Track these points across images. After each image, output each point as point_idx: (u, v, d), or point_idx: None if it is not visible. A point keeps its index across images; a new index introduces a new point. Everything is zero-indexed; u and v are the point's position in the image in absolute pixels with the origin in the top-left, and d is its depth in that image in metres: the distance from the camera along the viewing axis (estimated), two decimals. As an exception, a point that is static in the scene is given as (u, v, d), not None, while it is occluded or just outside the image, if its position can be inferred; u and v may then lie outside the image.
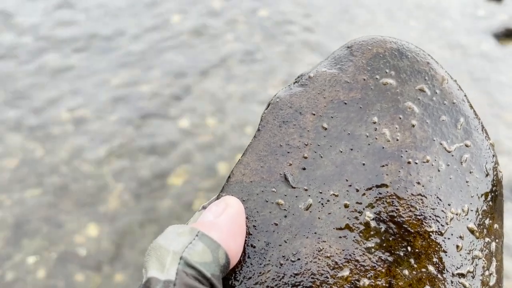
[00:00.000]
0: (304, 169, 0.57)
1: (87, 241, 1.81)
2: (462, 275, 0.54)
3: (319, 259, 0.53)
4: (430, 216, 0.55)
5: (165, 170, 2.05)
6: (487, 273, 0.56)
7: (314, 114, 0.60)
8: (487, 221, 0.58)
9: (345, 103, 0.60)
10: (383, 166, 0.57)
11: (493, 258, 0.57)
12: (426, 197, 0.55)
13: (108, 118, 2.45)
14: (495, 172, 0.59)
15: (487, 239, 0.57)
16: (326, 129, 0.59)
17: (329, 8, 3.40)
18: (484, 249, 0.56)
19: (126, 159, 2.13)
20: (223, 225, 0.51)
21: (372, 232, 0.54)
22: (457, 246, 0.55)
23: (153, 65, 2.85)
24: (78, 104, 2.56)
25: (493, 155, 0.60)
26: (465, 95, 0.62)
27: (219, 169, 2.04)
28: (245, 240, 0.54)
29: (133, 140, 2.28)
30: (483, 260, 0.56)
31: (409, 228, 0.54)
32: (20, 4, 3.55)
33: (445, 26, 3.23)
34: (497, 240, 0.58)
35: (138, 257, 1.82)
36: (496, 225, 0.59)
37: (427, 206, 0.55)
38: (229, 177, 0.58)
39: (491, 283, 0.56)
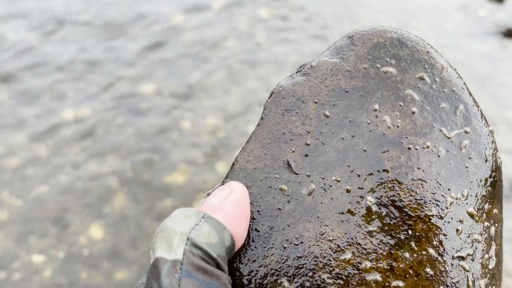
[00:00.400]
0: (306, 155, 0.58)
1: (91, 241, 1.83)
2: (462, 258, 0.55)
3: (321, 242, 0.54)
4: (430, 201, 0.56)
5: (167, 170, 2.07)
6: (486, 256, 0.57)
7: (316, 102, 0.61)
8: (486, 206, 0.59)
9: (347, 91, 0.61)
10: (384, 152, 0.58)
11: (493, 242, 0.58)
12: (426, 182, 0.57)
13: (112, 118, 2.47)
14: (494, 158, 0.61)
15: (486, 223, 0.58)
16: (328, 116, 0.60)
17: (331, 7, 3.41)
18: (484, 233, 0.58)
19: (129, 159, 2.15)
20: (228, 208, 0.52)
21: (373, 216, 0.56)
22: (457, 230, 0.56)
23: (155, 66, 2.87)
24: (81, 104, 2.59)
25: (492, 142, 0.61)
26: (464, 83, 0.63)
27: (219, 169, 2.06)
28: (250, 225, 0.56)
29: (136, 140, 2.30)
30: (483, 244, 0.57)
31: (410, 212, 0.55)
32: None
33: (446, 27, 3.24)
34: (496, 225, 0.60)
35: (141, 257, 1.84)
36: (495, 210, 0.60)
37: (427, 191, 0.56)
38: (233, 164, 0.60)
39: (490, 266, 0.57)
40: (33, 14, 3.45)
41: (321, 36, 3.15)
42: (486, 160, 0.60)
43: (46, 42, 3.19)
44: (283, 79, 0.66)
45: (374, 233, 0.55)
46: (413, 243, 0.55)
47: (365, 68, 0.62)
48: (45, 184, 2.12)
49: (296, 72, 0.65)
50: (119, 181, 2.03)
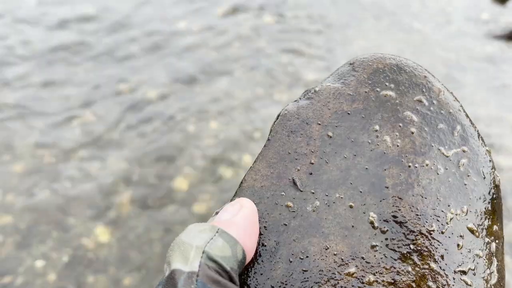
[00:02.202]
0: (311, 174, 0.61)
1: (96, 245, 1.84)
2: (463, 272, 0.57)
3: (326, 256, 0.57)
4: (431, 216, 0.58)
5: (172, 175, 2.09)
6: (488, 271, 0.58)
7: (319, 124, 0.64)
8: (486, 222, 0.61)
9: (348, 113, 0.65)
10: (385, 170, 0.61)
11: (494, 258, 0.60)
12: (426, 198, 0.59)
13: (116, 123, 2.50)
14: (492, 176, 0.63)
15: (487, 239, 0.60)
16: (331, 137, 0.63)
17: (336, 12, 3.45)
18: (484, 248, 0.59)
19: (134, 164, 2.18)
20: (239, 223, 0.55)
21: (376, 231, 0.58)
22: (458, 245, 0.58)
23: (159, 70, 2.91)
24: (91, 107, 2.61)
25: (490, 161, 0.64)
26: (461, 105, 0.66)
27: (225, 174, 2.06)
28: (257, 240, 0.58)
29: (140, 145, 2.33)
30: (484, 259, 0.59)
31: (411, 227, 0.58)
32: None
33: (450, 29, 3.28)
34: (497, 241, 0.61)
35: (145, 260, 1.84)
36: (495, 227, 0.62)
37: (427, 207, 0.59)
38: (241, 182, 0.63)
39: (492, 282, 0.58)
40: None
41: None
42: (484, 178, 0.62)
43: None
44: (289, 104, 0.69)
45: (377, 248, 0.57)
46: (415, 257, 0.56)
47: (366, 92, 0.66)
48: (49, 188, 2.14)
49: (301, 98, 0.69)
50: (124, 185, 2.05)
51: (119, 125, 2.50)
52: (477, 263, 0.58)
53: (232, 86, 2.73)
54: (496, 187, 0.63)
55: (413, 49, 2.93)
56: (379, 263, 0.56)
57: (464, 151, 0.63)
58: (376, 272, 0.56)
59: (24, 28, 3.53)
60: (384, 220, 0.58)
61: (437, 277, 0.56)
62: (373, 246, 0.57)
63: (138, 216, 1.91)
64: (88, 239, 1.90)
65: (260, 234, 0.59)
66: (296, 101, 0.69)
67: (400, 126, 0.63)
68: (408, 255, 0.57)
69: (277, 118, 0.67)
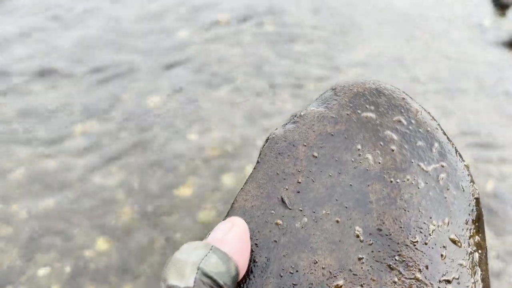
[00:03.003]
0: (298, 192, 0.64)
1: (97, 254, 1.82)
2: (448, 281, 0.59)
3: (315, 270, 0.59)
4: (414, 228, 0.61)
5: (174, 183, 2.08)
6: (472, 280, 0.61)
7: (305, 145, 0.68)
8: (467, 233, 0.63)
9: (332, 135, 0.69)
10: (368, 186, 0.64)
11: (477, 268, 0.62)
12: (408, 211, 0.62)
13: (117, 132, 2.49)
14: (471, 189, 0.66)
15: (469, 250, 0.62)
16: (316, 157, 0.67)
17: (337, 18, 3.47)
18: (468, 258, 0.62)
19: (135, 173, 2.17)
20: (231, 241, 0.58)
21: (362, 244, 0.60)
22: (441, 255, 0.60)
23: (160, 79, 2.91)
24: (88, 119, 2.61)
25: (468, 175, 0.67)
26: (438, 124, 0.70)
27: (226, 182, 2.06)
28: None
29: (142, 154, 2.32)
30: (467, 269, 0.61)
31: (396, 239, 0.60)
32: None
33: (451, 37, 3.28)
34: (480, 251, 0.64)
35: (147, 270, 1.82)
36: (477, 238, 0.64)
37: (410, 219, 0.61)
38: (233, 203, 0.66)
39: None
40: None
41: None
42: (464, 191, 0.65)
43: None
44: (276, 129, 0.74)
45: (364, 260, 0.59)
46: (401, 268, 0.59)
47: (348, 114, 0.70)
48: (51, 198, 2.13)
49: (287, 123, 0.73)
50: (125, 194, 2.04)
51: (121, 134, 2.50)
52: (461, 272, 0.60)
53: (233, 94, 2.75)
54: (476, 199, 0.66)
55: (414, 56, 2.97)
56: (366, 275, 0.58)
57: (442, 166, 0.66)
58: (364, 284, 0.58)
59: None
60: (370, 234, 0.61)
61: (423, 287, 0.58)
62: (360, 259, 0.59)
63: (140, 225, 1.91)
64: (90, 248, 1.89)
65: (252, 251, 0.61)
66: (283, 125, 0.73)
67: (381, 144, 0.67)
68: (394, 266, 0.59)
69: (266, 142, 0.71)
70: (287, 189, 0.65)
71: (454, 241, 0.62)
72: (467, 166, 0.68)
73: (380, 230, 0.61)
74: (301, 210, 0.63)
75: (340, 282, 0.58)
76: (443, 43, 3.22)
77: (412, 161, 0.66)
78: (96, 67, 3.16)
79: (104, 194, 2.10)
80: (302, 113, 0.72)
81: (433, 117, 0.71)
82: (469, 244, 0.63)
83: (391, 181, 0.64)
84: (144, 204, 1.99)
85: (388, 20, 3.47)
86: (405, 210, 0.62)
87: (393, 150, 0.66)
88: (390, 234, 0.61)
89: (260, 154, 0.70)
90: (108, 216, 1.96)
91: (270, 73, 2.96)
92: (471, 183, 0.67)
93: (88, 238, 1.88)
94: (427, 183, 0.64)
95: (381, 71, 2.85)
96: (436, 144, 0.68)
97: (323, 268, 0.59)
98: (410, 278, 0.58)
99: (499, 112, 2.52)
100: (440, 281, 0.59)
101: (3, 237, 1.96)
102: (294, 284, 0.58)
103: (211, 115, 2.55)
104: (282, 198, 0.64)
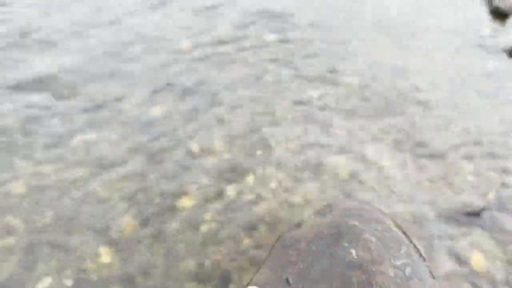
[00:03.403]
0: (299, 274, 0.86)
1: (99, 266, 1.77)
2: None
3: None
4: None
5: (175, 193, 2.05)
6: None
7: (306, 242, 0.92)
8: None
9: (327, 235, 0.93)
10: (351, 272, 0.86)
11: None
12: None
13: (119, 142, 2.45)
14: (430, 280, 0.87)
15: None
16: (314, 250, 0.90)
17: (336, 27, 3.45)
18: None
19: (136, 182, 2.12)
20: None
21: None
22: None
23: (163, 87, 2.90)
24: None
25: (429, 271, 0.89)
26: (406, 235, 0.94)
27: (229, 193, 1.99)
28: None
29: (143, 162, 2.28)
30: None
31: None
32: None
33: (450, 46, 3.20)
34: None
35: (148, 281, 1.77)
36: None
37: None
38: (249, 281, 0.88)
39: None
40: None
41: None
42: (424, 282, 0.86)
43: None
44: (286, 232, 0.98)
45: None
46: None
47: (339, 221, 0.95)
48: (52, 208, 2.11)
49: (295, 226, 0.98)
50: (127, 204, 2.01)
51: (122, 143, 2.49)
52: None
53: (234, 103, 2.75)
54: None
55: (414, 67, 3.01)
56: None
57: (408, 263, 0.88)
58: None
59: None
60: None
61: None
62: None
63: (141, 235, 1.91)
64: (91, 260, 1.88)
65: None
66: (290, 228, 0.98)
67: (362, 244, 0.90)
68: None
69: (277, 239, 0.96)
70: (290, 273, 0.87)
71: None
72: (428, 266, 0.90)
73: None
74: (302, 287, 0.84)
75: None
76: (443, 52, 3.22)
77: (385, 257, 0.88)
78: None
79: (105, 204, 2.11)
80: (304, 220, 0.97)
81: (403, 231, 0.95)
82: None
83: (368, 270, 0.86)
84: (144, 214, 2.00)
85: (387, 31, 3.46)
86: None
87: (370, 248, 0.89)
88: None
89: (271, 248, 0.93)
90: (109, 226, 1.97)
91: (271, 82, 2.97)
92: (430, 276, 0.88)
93: (89, 249, 1.89)
94: (396, 274, 0.86)
95: (380, 80, 2.90)
96: (404, 247, 0.91)
97: None
98: None
99: (500, 121, 2.47)
100: None
101: (1, 248, 1.96)
102: None
103: (213, 124, 2.52)
104: (287, 279, 0.86)
